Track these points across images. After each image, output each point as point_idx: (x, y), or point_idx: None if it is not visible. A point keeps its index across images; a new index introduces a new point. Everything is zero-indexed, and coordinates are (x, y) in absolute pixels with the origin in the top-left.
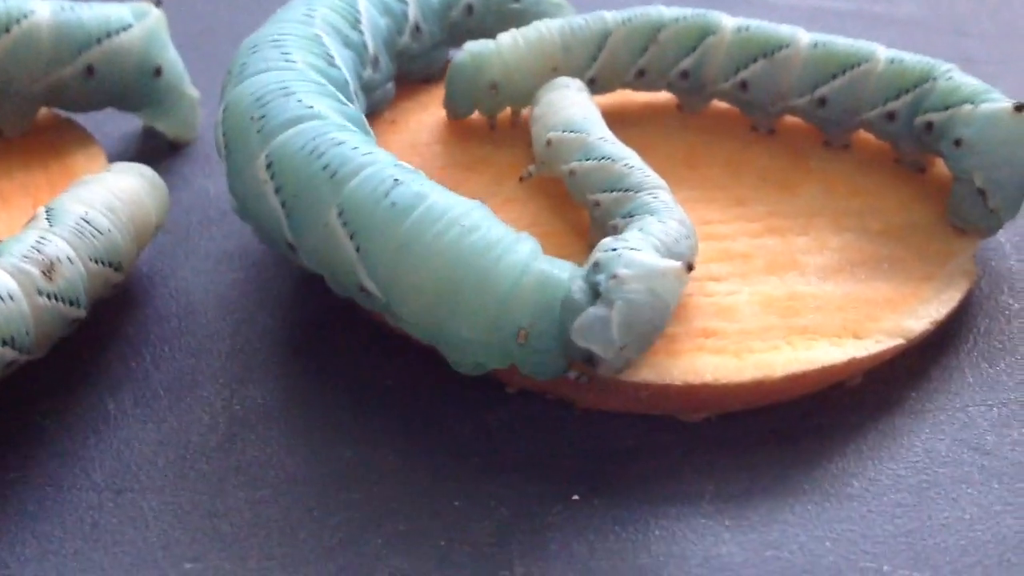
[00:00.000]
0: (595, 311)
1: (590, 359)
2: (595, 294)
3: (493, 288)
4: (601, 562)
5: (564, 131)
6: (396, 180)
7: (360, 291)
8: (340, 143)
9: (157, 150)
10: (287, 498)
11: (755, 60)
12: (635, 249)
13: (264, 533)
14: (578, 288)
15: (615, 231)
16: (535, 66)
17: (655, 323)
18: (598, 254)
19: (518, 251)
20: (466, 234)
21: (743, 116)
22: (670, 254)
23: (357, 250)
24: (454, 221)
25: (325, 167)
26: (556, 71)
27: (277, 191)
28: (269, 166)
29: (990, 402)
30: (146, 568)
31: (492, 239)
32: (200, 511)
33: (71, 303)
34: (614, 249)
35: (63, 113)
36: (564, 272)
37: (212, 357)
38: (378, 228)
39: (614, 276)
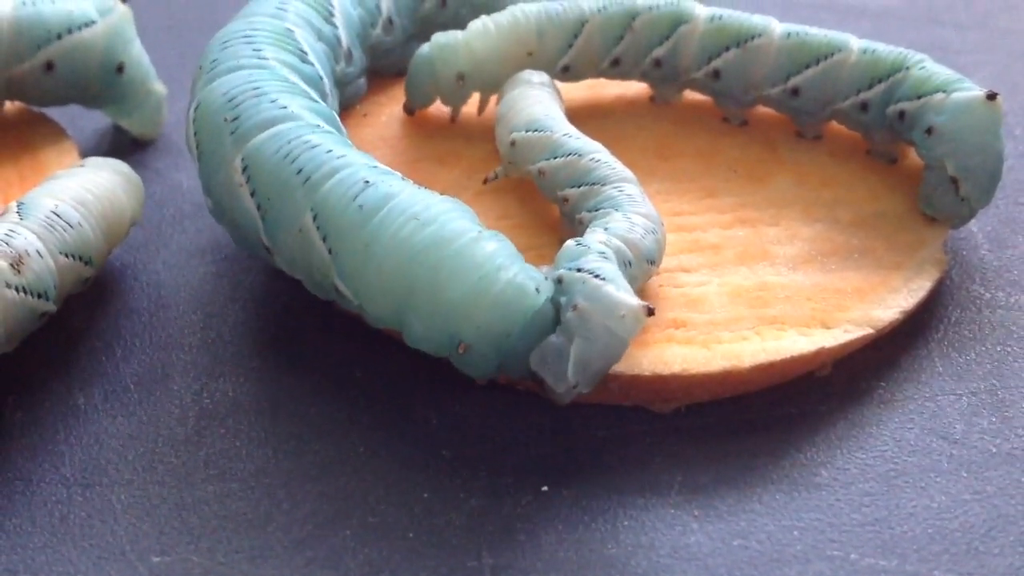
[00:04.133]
0: (555, 343)
1: (540, 382)
2: (558, 318)
3: (446, 288)
4: (570, 553)
5: (528, 131)
6: (367, 182)
7: (336, 293)
8: (314, 146)
9: (130, 144)
10: (256, 491)
11: (728, 49)
12: (600, 278)
13: (232, 526)
14: (539, 317)
15: (581, 225)
16: (508, 51)
17: (609, 360)
18: (562, 269)
19: (475, 253)
20: (420, 228)
21: (715, 108)
22: (633, 250)
23: (330, 252)
24: (412, 216)
25: (299, 172)
26: (531, 56)
27: (253, 194)
28: (245, 169)
29: (959, 391)
30: (114, 561)
31: (446, 235)
32: (169, 504)
33: (40, 296)
34: (579, 269)
35: (35, 108)
36: (523, 299)
37: (182, 351)
38: (346, 231)
39: (575, 307)
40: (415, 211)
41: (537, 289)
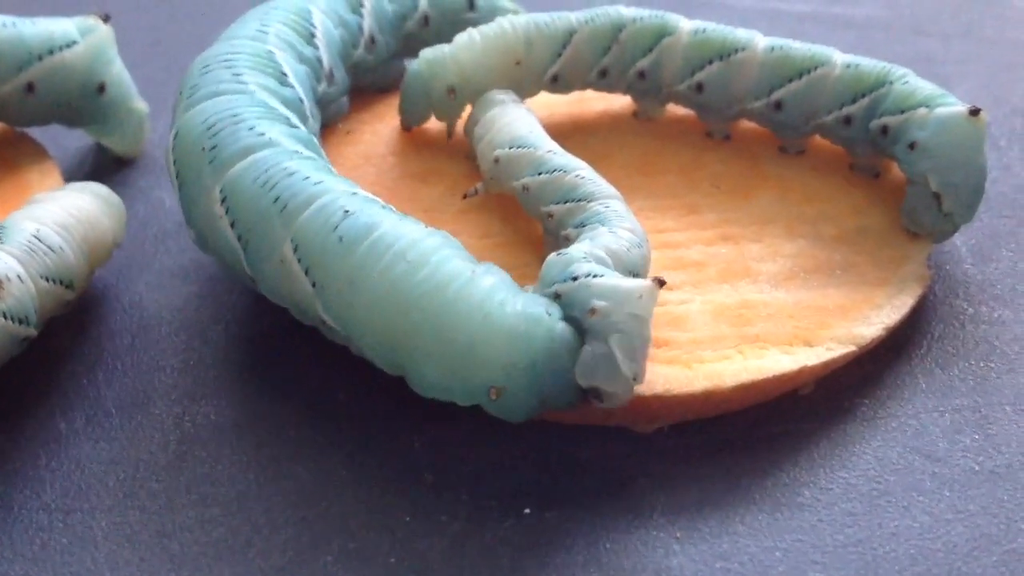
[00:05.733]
0: (593, 350)
1: (597, 394)
2: (578, 330)
3: (452, 335)
4: None
5: (512, 147)
6: (346, 211)
7: (323, 325)
8: (291, 173)
9: (112, 163)
10: (237, 517)
11: (711, 62)
12: (597, 276)
13: (213, 552)
14: (561, 338)
15: (567, 241)
16: (496, 62)
17: (646, 341)
18: (556, 285)
19: (472, 294)
20: (412, 271)
21: (698, 123)
22: (618, 263)
23: (313, 285)
24: (400, 255)
25: (276, 200)
26: (519, 66)
27: (233, 225)
28: (224, 200)
29: (942, 408)
30: None
31: (441, 279)
32: (149, 531)
33: (20, 321)
34: (574, 278)
35: (17, 128)
36: (538, 326)
37: (164, 374)
38: (328, 263)
39: (593, 311)
40: (401, 248)
41: (548, 312)
